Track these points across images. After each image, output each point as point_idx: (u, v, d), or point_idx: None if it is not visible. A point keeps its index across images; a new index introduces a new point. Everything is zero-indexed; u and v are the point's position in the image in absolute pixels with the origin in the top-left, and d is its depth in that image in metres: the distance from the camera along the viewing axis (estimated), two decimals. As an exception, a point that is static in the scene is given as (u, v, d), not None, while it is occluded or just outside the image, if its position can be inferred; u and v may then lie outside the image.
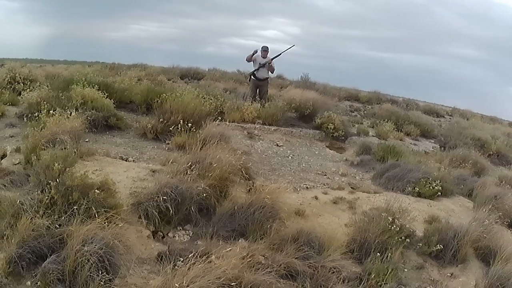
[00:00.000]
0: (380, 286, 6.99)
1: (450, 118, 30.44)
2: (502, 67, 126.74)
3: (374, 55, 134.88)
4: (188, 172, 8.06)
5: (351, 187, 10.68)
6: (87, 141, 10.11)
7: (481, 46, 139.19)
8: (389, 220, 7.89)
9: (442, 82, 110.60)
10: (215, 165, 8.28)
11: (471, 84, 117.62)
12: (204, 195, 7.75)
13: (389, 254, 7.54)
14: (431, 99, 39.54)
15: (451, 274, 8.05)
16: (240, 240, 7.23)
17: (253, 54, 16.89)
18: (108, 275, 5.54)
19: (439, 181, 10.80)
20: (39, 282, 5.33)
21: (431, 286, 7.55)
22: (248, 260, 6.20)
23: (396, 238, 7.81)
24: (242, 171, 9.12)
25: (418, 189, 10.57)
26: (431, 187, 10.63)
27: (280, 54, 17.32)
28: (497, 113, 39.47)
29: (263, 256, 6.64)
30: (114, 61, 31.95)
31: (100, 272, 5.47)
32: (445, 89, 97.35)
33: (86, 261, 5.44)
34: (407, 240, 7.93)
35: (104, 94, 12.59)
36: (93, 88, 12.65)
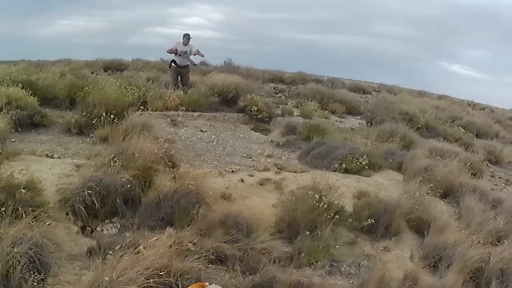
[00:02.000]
0: (312, 264, 7.16)
1: (377, 94, 31.00)
2: (432, 43, 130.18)
3: (302, 37, 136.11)
4: (112, 164, 8.10)
5: (277, 168, 10.82)
6: (13, 141, 10.08)
7: (411, 23, 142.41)
8: (316, 197, 8.05)
9: (372, 61, 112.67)
10: (137, 155, 8.33)
11: (401, 60, 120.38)
12: (129, 186, 7.78)
13: (319, 232, 7.73)
14: (360, 77, 40.33)
15: (385, 248, 8.32)
16: (167, 229, 7.27)
17: (176, 50, 17.21)
18: (40, 274, 5.54)
19: (366, 156, 11.10)
20: (-28, 289, 5.28)
21: (365, 261, 7.76)
22: (176, 248, 6.29)
23: (325, 215, 7.97)
24: (165, 159, 9.17)
25: (345, 165, 10.82)
26: (358, 163, 10.93)
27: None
28: (427, 87, 40.52)
29: (191, 243, 6.72)
30: (42, 58, 31.26)
31: (32, 273, 5.46)
32: (375, 67, 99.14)
33: (18, 263, 5.40)
34: (336, 216, 8.11)
35: (28, 92, 12.48)
36: (17, 87, 12.52)
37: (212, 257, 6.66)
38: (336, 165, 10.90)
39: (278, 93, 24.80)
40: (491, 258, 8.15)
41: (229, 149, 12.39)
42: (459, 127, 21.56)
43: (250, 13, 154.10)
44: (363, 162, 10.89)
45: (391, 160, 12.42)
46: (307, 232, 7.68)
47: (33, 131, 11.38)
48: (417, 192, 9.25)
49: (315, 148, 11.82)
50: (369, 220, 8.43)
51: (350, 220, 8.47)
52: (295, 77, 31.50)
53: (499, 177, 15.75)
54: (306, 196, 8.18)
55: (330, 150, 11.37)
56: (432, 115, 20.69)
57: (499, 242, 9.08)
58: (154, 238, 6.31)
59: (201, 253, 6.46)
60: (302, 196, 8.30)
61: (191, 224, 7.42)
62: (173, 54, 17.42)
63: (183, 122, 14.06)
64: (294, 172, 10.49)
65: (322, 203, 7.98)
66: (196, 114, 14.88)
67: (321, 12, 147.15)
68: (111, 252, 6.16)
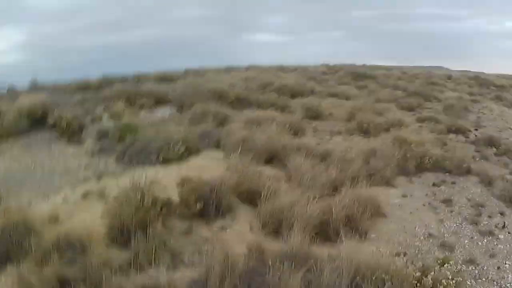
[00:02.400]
0: (153, 263, 7.22)
1: (184, 80, 31.21)
2: (230, 18, 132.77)
3: (100, 40, 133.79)
4: None
5: (97, 177, 10.84)
6: None
7: (206, 4, 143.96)
8: (139, 196, 8.11)
9: (175, 48, 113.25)
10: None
11: (204, 42, 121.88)
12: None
13: (151, 229, 7.74)
14: (166, 67, 40.26)
15: (222, 227, 8.56)
16: (7, 267, 7.16)
17: None
18: None
19: (181, 142, 11.25)
20: None
21: (206, 245, 7.89)
22: (19, 285, 6.26)
23: (152, 211, 8.04)
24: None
25: (162, 156, 11.01)
26: (175, 151, 11.09)
27: None
28: (234, 62, 41.35)
29: (32, 276, 6.62)
30: None
31: None
32: (179, 53, 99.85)
33: None
34: (164, 209, 8.21)
35: None
36: None
37: (55, 284, 6.59)
38: (153, 158, 11.05)
39: (86, 102, 24.52)
40: (333, 209, 8.60)
41: (47, 170, 12.15)
42: (272, 92, 22.19)
43: (48, 26, 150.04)
44: (180, 149, 11.04)
45: (208, 140, 12.64)
46: (140, 233, 7.66)
47: None
48: (240, 165, 9.51)
49: (130, 147, 11.90)
50: (197, 204, 8.56)
51: (179, 209, 8.59)
52: (101, 81, 31.15)
53: (322, 131, 16.42)
54: (129, 198, 8.19)
55: (145, 146, 11.50)
56: (242, 87, 21.15)
57: (336, 192, 9.57)
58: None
59: (44, 283, 6.44)
60: (125, 199, 8.29)
61: (27, 257, 7.29)
62: None
63: (-1, 154, 13.62)
64: (114, 177, 10.53)
65: (145, 201, 8.04)
66: (9, 141, 14.58)
67: (109, 12, 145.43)
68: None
